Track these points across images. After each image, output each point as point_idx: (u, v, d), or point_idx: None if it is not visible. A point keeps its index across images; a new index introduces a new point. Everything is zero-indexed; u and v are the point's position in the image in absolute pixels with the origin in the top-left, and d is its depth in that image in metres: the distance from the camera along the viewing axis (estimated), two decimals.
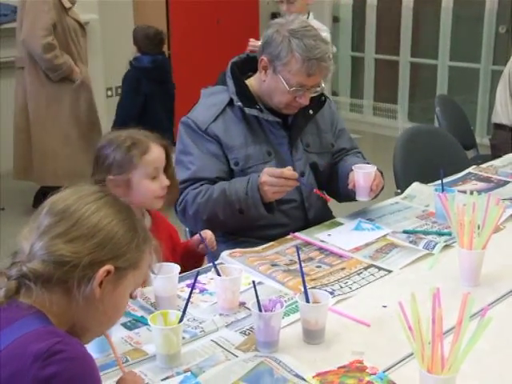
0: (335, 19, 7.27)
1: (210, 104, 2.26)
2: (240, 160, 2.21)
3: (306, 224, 2.28)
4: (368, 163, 2.30)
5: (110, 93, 6.09)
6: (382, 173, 2.29)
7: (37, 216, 1.16)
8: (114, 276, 1.14)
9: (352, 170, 2.23)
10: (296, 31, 2.12)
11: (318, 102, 2.32)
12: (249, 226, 2.21)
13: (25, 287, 1.10)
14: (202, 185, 2.17)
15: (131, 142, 1.83)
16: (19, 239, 1.15)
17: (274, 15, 7.14)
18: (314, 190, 2.20)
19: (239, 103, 2.20)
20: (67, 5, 4.40)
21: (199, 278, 1.71)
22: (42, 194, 4.66)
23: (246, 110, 2.20)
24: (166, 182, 1.89)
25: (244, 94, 2.23)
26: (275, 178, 2.05)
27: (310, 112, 2.31)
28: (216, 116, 2.21)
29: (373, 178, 2.19)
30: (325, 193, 2.24)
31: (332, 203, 2.45)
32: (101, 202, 1.17)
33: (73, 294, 1.11)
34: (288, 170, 2.06)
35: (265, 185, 2.06)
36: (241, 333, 1.58)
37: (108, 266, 1.13)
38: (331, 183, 2.42)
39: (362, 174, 2.19)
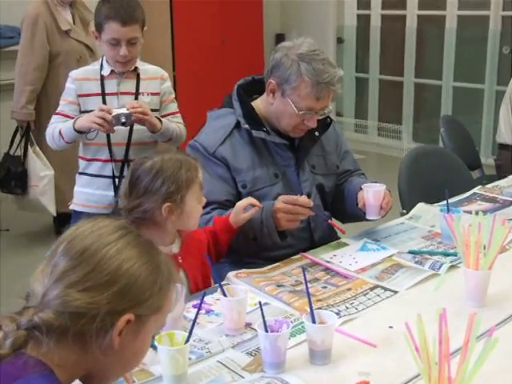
0: (339, 40, 7.31)
1: (217, 127, 2.27)
2: (248, 183, 2.21)
3: (312, 245, 2.28)
4: (376, 182, 2.31)
5: None
6: (390, 192, 2.30)
7: (53, 254, 1.07)
8: (135, 324, 1.07)
9: (361, 189, 2.23)
10: (305, 55, 2.13)
11: (324, 124, 2.33)
12: (258, 251, 2.19)
13: (34, 339, 1.02)
14: (212, 209, 2.17)
15: (181, 163, 1.83)
16: (32, 279, 1.06)
17: (279, 36, 7.20)
18: (329, 221, 2.22)
19: (246, 126, 2.21)
20: (65, 27, 4.24)
21: (205, 298, 1.71)
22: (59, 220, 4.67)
23: (254, 132, 2.21)
24: (204, 200, 1.93)
25: (251, 116, 2.24)
26: (290, 205, 2.06)
27: (316, 134, 2.32)
28: (224, 139, 2.22)
29: (382, 196, 2.20)
30: (340, 224, 2.23)
31: None
32: (122, 243, 1.08)
33: (89, 346, 1.04)
34: (303, 198, 2.07)
35: (279, 211, 2.07)
36: (247, 353, 1.58)
37: (128, 315, 1.05)
38: (336, 204, 2.42)
39: (372, 193, 2.19)
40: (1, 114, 5.25)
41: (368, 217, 2.23)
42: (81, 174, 2.79)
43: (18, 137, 4.37)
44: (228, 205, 2.20)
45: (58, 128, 2.60)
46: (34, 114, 4.27)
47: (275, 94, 2.20)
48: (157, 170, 1.81)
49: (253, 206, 2.06)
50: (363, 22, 7.17)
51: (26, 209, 4.52)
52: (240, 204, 2.06)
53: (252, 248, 2.16)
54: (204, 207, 2.14)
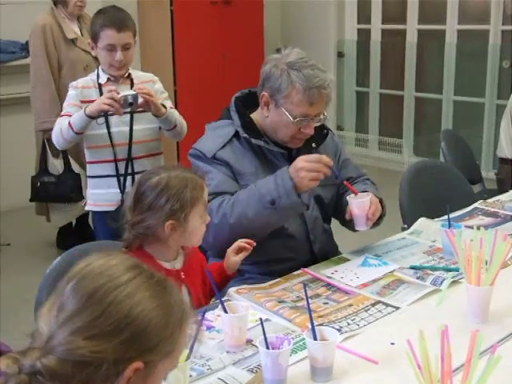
0: (340, 54, 7.32)
1: (216, 136, 2.27)
2: None
3: (312, 257, 2.27)
4: (365, 191, 2.27)
5: None
6: (381, 199, 2.28)
7: (60, 292, 1.02)
8: (144, 370, 1.00)
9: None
10: (293, 63, 2.16)
11: (321, 134, 2.33)
12: (278, 221, 2.16)
13: (38, 383, 0.95)
14: (222, 197, 2.14)
15: (187, 181, 1.81)
16: (39, 316, 1.01)
17: (280, 50, 7.21)
18: (345, 183, 2.22)
19: (245, 135, 2.21)
20: (70, 36, 4.23)
21: (206, 314, 1.70)
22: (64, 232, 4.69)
23: (253, 140, 2.21)
24: (208, 219, 1.91)
25: (249, 126, 2.24)
26: (314, 163, 2.06)
27: (313, 145, 2.32)
28: (223, 145, 2.22)
29: (367, 206, 2.17)
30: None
31: (337, 237, 2.44)
32: (134, 284, 1.02)
33: None
34: (325, 157, 2.08)
35: (302, 171, 2.05)
36: (248, 370, 1.57)
37: (137, 364, 0.98)
38: (340, 214, 2.40)
39: (356, 204, 2.18)
40: (1, 129, 5.26)
41: (356, 228, 2.22)
42: (89, 177, 3.05)
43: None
44: None
45: (66, 121, 2.80)
46: None
47: (269, 106, 2.21)
48: (162, 187, 1.80)
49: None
50: (364, 36, 7.19)
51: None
52: (229, 249, 2.03)
53: (270, 218, 2.10)
54: (215, 197, 2.13)
